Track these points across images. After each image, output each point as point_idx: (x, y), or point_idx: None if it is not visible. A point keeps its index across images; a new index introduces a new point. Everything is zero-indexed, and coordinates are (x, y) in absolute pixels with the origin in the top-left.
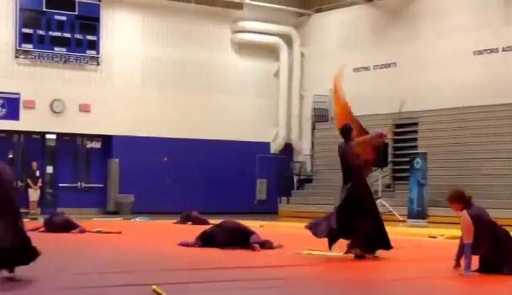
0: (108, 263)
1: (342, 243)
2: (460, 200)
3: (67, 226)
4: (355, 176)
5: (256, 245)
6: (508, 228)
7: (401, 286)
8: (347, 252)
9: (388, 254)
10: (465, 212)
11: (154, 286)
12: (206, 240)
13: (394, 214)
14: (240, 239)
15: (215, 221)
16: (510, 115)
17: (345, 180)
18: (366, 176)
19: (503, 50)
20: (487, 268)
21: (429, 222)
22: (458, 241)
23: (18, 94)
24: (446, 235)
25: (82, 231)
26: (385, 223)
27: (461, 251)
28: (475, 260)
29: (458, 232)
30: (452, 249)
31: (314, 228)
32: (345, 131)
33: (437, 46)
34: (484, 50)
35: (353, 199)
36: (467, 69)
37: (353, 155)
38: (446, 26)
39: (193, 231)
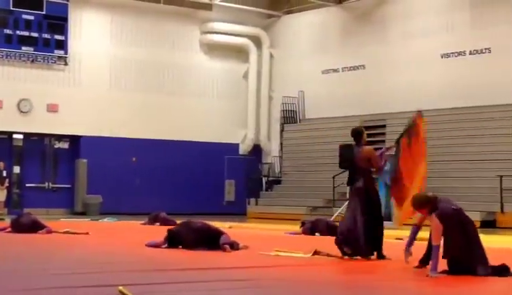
0: (75, 264)
1: (309, 244)
2: (426, 204)
3: (34, 227)
4: (364, 177)
5: (227, 246)
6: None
7: (366, 288)
8: (314, 253)
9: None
10: (434, 216)
11: (120, 287)
12: (173, 240)
13: None
14: (209, 240)
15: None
16: (478, 118)
17: (351, 180)
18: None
19: (470, 53)
20: (458, 269)
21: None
22: (423, 242)
23: None
24: None
25: (49, 231)
26: None
27: (429, 252)
28: (443, 262)
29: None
30: (418, 251)
31: (354, 248)
32: (357, 134)
33: (405, 49)
34: (452, 53)
35: (375, 207)
36: (435, 72)
37: (362, 158)
38: (414, 29)
39: (161, 232)
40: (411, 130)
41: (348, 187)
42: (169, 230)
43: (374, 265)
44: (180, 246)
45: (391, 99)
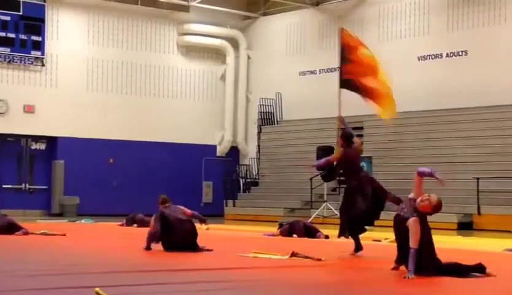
0: (52, 265)
1: (287, 246)
2: None
3: (11, 228)
4: (359, 173)
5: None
6: (451, 233)
7: (344, 289)
8: (292, 255)
9: (332, 258)
10: (416, 219)
11: (97, 288)
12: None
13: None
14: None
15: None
16: (454, 120)
17: (348, 180)
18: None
19: (447, 55)
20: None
21: (375, 226)
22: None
23: None
24: (389, 238)
25: (26, 233)
26: (330, 226)
27: (402, 252)
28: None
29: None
30: (395, 252)
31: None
32: (350, 136)
33: (382, 51)
34: (428, 55)
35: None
36: (411, 74)
37: (357, 156)
38: (390, 31)
39: (138, 233)
40: (344, 52)
41: (324, 185)
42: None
43: (352, 266)
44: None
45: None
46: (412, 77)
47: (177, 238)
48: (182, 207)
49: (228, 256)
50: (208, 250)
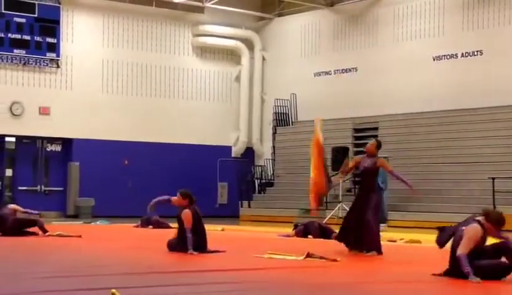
0: (68, 267)
1: (302, 247)
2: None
3: (23, 225)
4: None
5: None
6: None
7: (359, 290)
8: (307, 256)
9: (347, 258)
10: (477, 226)
11: (113, 290)
12: None
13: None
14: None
15: (176, 225)
16: (469, 120)
17: (365, 188)
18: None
19: (462, 55)
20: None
21: (389, 226)
22: (415, 244)
23: None
24: (405, 238)
25: (42, 226)
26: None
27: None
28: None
29: (417, 236)
30: (410, 253)
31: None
32: (380, 145)
33: (397, 51)
34: (444, 55)
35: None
36: (427, 75)
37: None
38: (406, 31)
39: (154, 235)
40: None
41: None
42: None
43: (368, 267)
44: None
45: (384, 102)
46: (427, 78)
47: (200, 239)
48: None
49: (243, 257)
50: (219, 251)
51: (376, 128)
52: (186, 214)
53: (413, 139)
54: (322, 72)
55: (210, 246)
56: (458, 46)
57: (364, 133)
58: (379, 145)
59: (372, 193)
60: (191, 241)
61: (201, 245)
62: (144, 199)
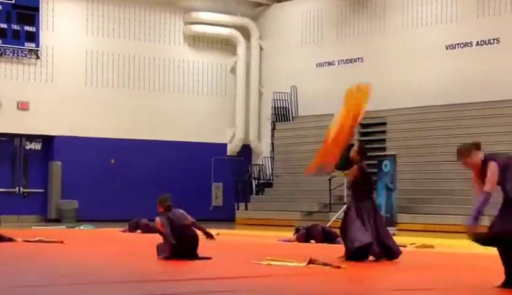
0: (46, 275)
1: (304, 252)
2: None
3: None
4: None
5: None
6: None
7: None
8: (309, 262)
9: (353, 265)
10: (493, 163)
11: None
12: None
13: None
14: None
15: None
16: (485, 114)
17: (367, 195)
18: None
19: (477, 44)
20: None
21: (398, 230)
22: (428, 249)
23: None
24: (416, 243)
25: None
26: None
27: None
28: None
29: (429, 240)
30: (423, 259)
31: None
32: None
33: (406, 40)
34: (457, 43)
35: None
36: (439, 65)
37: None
38: (415, 18)
39: (143, 240)
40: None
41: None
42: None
43: (374, 274)
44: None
45: (392, 95)
46: (439, 68)
47: (180, 246)
48: (183, 211)
49: (240, 264)
50: (207, 258)
51: (384, 124)
52: (156, 221)
53: (424, 135)
54: (325, 62)
55: (203, 252)
56: (473, 33)
57: (371, 128)
58: (361, 151)
59: (366, 200)
60: (161, 247)
61: (182, 251)
62: (132, 201)
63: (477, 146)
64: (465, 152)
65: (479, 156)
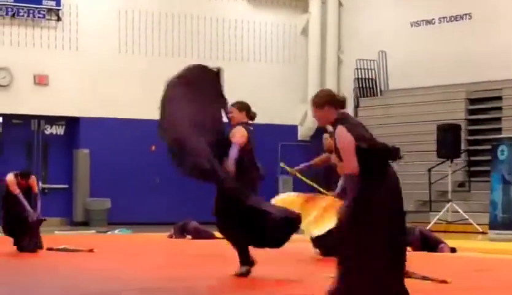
0: (75, 292)
1: None
2: None
3: None
4: None
5: None
6: None
7: None
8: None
9: (462, 279)
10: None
11: None
12: None
13: (471, 223)
14: None
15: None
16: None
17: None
18: None
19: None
20: None
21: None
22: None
23: None
24: None
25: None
26: (457, 235)
27: None
28: None
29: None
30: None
31: None
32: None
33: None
34: (422, 20)
35: None
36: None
37: None
38: None
39: (193, 247)
40: None
41: None
42: None
43: (489, 289)
44: None
45: (509, 62)
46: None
47: None
48: None
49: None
50: None
51: (499, 98)
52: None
53: None
54: (422, 20)
55: None
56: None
57: (483, 104)
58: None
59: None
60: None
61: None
62: (177, 199)
63: None
64: None
65: None
